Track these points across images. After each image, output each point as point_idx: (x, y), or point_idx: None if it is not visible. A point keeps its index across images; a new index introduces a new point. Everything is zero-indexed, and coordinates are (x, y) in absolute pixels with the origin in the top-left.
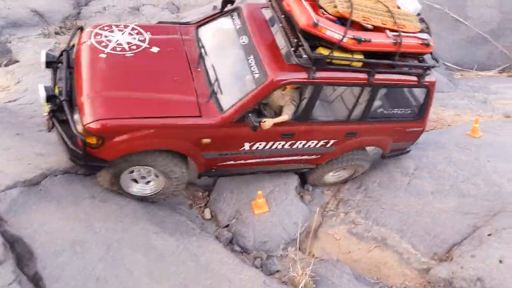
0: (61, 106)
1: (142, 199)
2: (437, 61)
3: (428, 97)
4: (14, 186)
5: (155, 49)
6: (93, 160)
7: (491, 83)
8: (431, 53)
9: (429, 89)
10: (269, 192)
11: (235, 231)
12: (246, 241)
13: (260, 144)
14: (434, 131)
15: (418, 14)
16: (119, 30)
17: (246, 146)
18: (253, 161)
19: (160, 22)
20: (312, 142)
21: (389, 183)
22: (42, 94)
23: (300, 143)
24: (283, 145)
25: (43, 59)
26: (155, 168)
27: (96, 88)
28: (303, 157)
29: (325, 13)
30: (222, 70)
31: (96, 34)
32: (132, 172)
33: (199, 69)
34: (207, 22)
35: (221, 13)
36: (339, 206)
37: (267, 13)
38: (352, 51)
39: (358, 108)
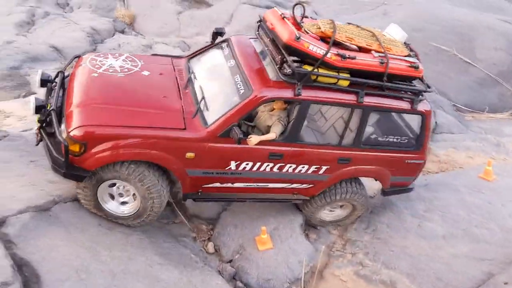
0: (50, 119)
1: (144, 229)
2: (428, 86)
3: (425, 126)
4: (26, 211)
5: (146, 73)
6: (74, 169)
7: (503, 126)
8: (421, 78)
9: (425, 117)
10: (274, 228)
11: (238, 266)
12: (249, 278)
13: (247, 164)
14: (445, 173)
15: (405, 43)
16: (113, 57)
17: (232, 165)
18: (241, 185)
19: (154, 54)
20: (303, 167)
21: (398, 224)
22: (32, 105)
23: (290, 166)
24: (272, 168)
25: (38, 77)
26: (134, 185)
27: (84, 100)
28: (294, 186)
29: (309, 32)
30: (209, 90)
31: (92, 59)
32: (112, 186)
33: (187, 91)
34: (198, 54)
35: (212, 45)
36: (346, 246)
37: (257, 46)
38: (337, 70)
39: (349, 133)
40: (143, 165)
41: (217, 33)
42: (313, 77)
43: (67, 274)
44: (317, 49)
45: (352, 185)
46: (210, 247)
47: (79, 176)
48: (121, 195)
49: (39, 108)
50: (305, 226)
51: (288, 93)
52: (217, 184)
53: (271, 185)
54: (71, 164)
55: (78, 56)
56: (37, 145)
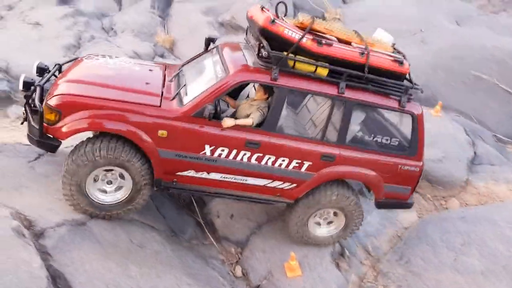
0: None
1: (173, 247)
2: (417, 85)
3: (417, 128)
4: (63, 224)
5: (136, 67)
6: (48, 138)
7: None
8: (409, 78)
9: (416, 118)
10: (303, 255)
11: None
12: None
13: (222, 150)
14: (484, 206)
15: (393, 44)
16: (109, 57)
17: (207, 149)
18: (217, 177)
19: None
20: (283, 160)
21: (433, 257)
22: (21, 80)
23: (269, 158)
24: (249, 158)
25: (35, 65)
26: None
27: (68, 77)
28: (276, 184)
29: (286, 22)
30: (191, 80)
31: (89, 56)
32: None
33: (171, 83)
34: (191, 60)
35: (204, 52)
36: (378, 278)
37: (244, 47)
38: (315, 57)
39: (333, 128)
40: (120, 142)
41: (210, 40)
42: (291, 64)
43: (99, 287)
44: (292, 33)
45: (339, 188)
46: (238, 270)
47: (51, 145)
48: (109, 182)
49: (27, 85)
50: (336, 255)
51: (264, 78)
52: (192, 173)
53: (250, 180)
54: (45, 133)
55: (76, 58)
56: (22, 123)
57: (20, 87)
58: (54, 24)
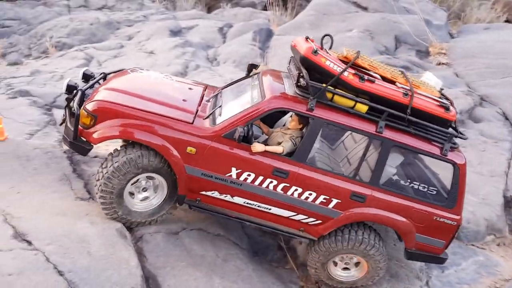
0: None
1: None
2: (462, 134)
3: (458, 179)
4: (159, 231)
5: (177, 84)
6: (80, 141)
7: None
8: (455, 126)
9: (458, 169)
10: None
11: None
12: None
13: (248, 175)
14: None
15: (441, 90)
16: (153, 72)
17: (233, 172)
18: (241, 201)
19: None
20: (310, 194)
21: None
22: (66, 82)
23: (296, 190)
24: (275, 186)
25: (82, 71)
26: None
27: (109, 86)
28: (300, 217)
29: (330, 54)
30: (228, 102)
31: (134, 69)
32: (133, 183)
33: (208, 102)
34: (232, 84)
35: (246, 77)
36: None
37: (285, 76)
38: (356, 93)
39: (366, 167)
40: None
41: (252, 65)
42: (329, 96)
43: None
44: (334, 65)
45: (366, 233)
46: None
47: (83, 148)
48: (144, 189)
49: (70, 88)
50: None
51: (300, 107)
52: (216, 194)
53: (274, 209)
54: (80, 136)
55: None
56: (60, 125)
57: (63, 89)
58: (166, 53)
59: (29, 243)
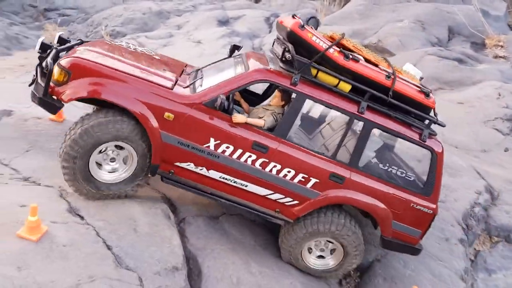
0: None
1: None
2: (440, 122)
3: (435, 167)
4: (201, 215)
5: (157, 57)
6: (51, 98)
7: None
8: (434, 112)
9: (435, 156)
10: None
11: None
12: None
13: (227, 147)
14: None
15: (421, 78)
16: (133, 45)
17: (212, 143)
18: (217, 176)
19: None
20: (289, 171)
21: None
22: (39, 41)
23: (274, 166)
24: (254, 161)
25: (57, 35)
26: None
27: (87, 47)
28: (277, 196)
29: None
30: (210, 75)
31: (114, 40)
32: (100, 152)
33: (188, 75)
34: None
35: (228, 57)
36: None
37: (269, 57)
38: (339, 71)
39: (346, 148)
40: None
41: (235, 46)
42: (314, 72)
43: (222, 275)
44: (320, 41)
45: (342, 216)
46: None
47: (52, 106)
48: (112, 160)
49: (45, 47)
50: None
51: (283, 81)
52: (192, 166)
53: (250, 186)
54: (50, 94)
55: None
56: (29, 85)
57: (37, 48)
58: (213, 42)
59: (82, 217)
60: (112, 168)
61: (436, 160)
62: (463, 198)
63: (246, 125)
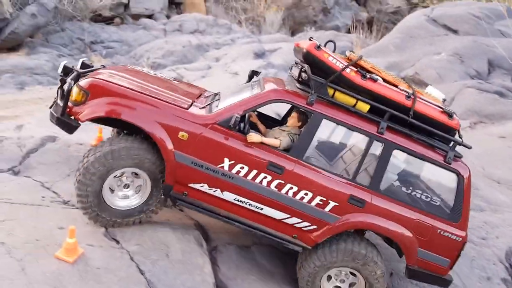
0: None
1: None
2: (466, 144)
3: (462, 191)
4: (232, 244)
5: (176, 82)
6: (68, 117)
7: None
8: (458, 134)
9: (462, 180)
10: None
11: None
12: None
13: (241, 168)
14: None
15: (444, 100)
16: (160, 72)
17: (226, 163)
18: (231, 198)
19: None
20: (305, 194)
21: None
22: (62, 64)
23: (290, 188)
24: (269, 183)
25: (61, 64)
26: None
27: (107, 71)
28: (294, 221)
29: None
30: (227, 97)
31: (135, 65)
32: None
33: (206, 98)
34: None
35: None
36: None
37: (287, 81)
38: (358, 91)
39: (366, 170)
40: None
41: (254, 72)
42: (331, 92)
43: None
44: (337, 62)
45: (363, 245)
46: None
47: (69, 125)
48: (126, 186)
49: (67, 70)
50: None
51: (300, 101)
52: (205, 187)
53: (266, 209)
54: (68, 113)
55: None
56: (50, 107)
57: (59, 71)
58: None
59: (117, 242)
60: (124, 195)
61: (463, 183)
62: (505, 235)
63: (262, 145)
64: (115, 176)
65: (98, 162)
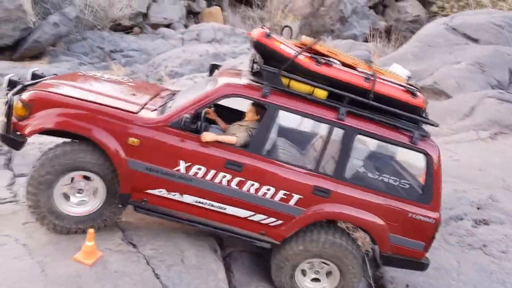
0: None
1: None
2: (431, 121)
3: (432, 171)
4: (246, 250)
5: (132, 83)
6: (13, 133)
7: None
8: (424, 113)
9: (430, 159)
10: None
11: None
12: None
13: (198, 169)
14: None
15: (408, 78)
16: (111, 75)
17: (182, 165)
18: (192, 200)
19: None
20: (268, 189)
21: None
22: (7, 78)
23: (252, 185)
24: (229, 182)
25: (31, 71)
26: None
27: (52, 81)
28: (259, 218)
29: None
30: (183, 96)
31: (88, 71)
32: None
33: (162, 98)
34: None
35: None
36: None
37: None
38: (314, 78)
39: (329, 158)
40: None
41: (214, 66)
42: (286, 82)
43: None
44: (288, 49)
45: (334, 233)
46: None
47: (14, 141)
48: (80, 191)
49: (12, 83)
50: None
51: (253, 93)
52: (164, 192)
53: (229, 209)
54: (14, 129)
55: None
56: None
57: (4, 85)
58: None
59: (134, 246)
60: (79, 201)
61: (432, 163)
62: None
63: (218, 144)
64: (66, 184)
65: (43, 169)
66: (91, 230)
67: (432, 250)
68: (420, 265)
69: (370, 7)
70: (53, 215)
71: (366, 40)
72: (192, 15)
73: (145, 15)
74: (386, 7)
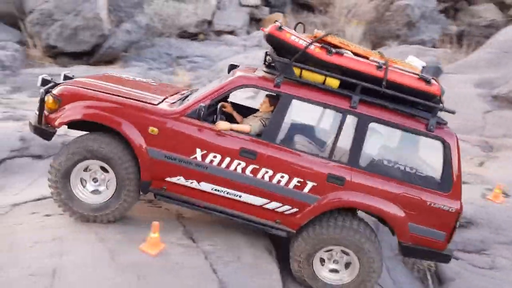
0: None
1: None
2: (447, 109)
3: (449, 158)
4: None
5: (155, 83)
6: (45, 125)
7: None
8: (440, 101)
9: (448, 146)
10: None
11: None
12: None
13: (214, 157)
14: None
15: (423, 68)
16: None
17: (198, 154)
18: (208, 188)
19: None
20: (282, 177)
21: None
22: (40, 77)
23: (266, 172)
24: (244, 169)
25: (62, 74)
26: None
27: (81, 78)
28: (274, 205)
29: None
30: (199, 91)
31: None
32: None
33: (182, 95)
34: None
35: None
36: None
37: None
38: (326, 68)
39: (344, 146)
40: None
41: (233, 66)
42: (298, 72)
43: None
44: (300, 40)
45: (351, 221)
46: None
47: (45, 132)
48: (95, 180)
49: (45, 82)
50: None
51: (266, 84)
52: (182, 180)
53: (244, 196)
54: (46, 122)
55: None
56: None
57: (38, 84)
58: None
59: (193, 240)
60: (94, 189)
61: (450, 150)
62: None
63: (232, 132)
64: (85, 170)
65: (61, 159)
66: (155, 222)
67: None
68: (443, 257)
69: (441, 11)
70: (72, 202)
71: (434, 46)
72: (255, 21)
73: (209, 22)
74: (458, 11)
